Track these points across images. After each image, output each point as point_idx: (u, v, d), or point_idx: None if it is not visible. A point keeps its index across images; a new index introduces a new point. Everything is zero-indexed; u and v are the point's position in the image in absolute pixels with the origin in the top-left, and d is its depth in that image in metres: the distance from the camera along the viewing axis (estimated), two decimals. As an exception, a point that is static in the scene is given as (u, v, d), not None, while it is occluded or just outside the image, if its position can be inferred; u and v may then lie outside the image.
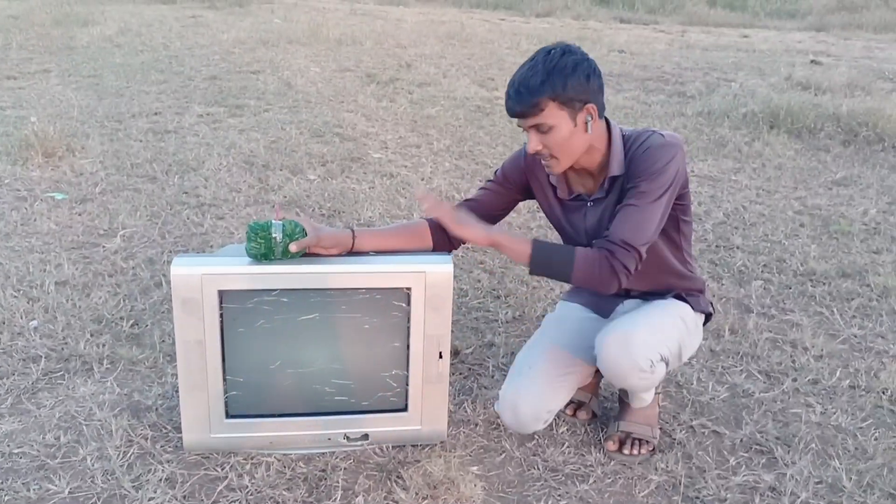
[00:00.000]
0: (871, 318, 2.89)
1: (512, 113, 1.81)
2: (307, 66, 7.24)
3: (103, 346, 2.44)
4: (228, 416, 1.90)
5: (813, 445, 2.10)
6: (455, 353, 2.50)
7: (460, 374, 2.42)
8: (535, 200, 2.11)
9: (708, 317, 2.15)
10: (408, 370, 1.93)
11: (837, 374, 2.47)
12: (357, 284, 1.86)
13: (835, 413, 2.26)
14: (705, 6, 14.77)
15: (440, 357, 1.92)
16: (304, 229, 1.84)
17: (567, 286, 2.61)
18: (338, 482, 1.88)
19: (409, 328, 1.89)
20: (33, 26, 8.73)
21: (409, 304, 1.87)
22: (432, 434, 2.02)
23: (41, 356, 2.37)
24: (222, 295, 1.80)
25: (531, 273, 1.90)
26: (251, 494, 1.83)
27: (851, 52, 9.71)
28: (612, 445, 2.05)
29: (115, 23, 9.09)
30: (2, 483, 1.83)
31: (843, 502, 1.89)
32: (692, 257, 2.11)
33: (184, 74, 6.65)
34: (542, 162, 1.88)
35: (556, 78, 1.75)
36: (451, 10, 13.44)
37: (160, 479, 1.86)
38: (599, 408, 2.24)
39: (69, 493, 1.81)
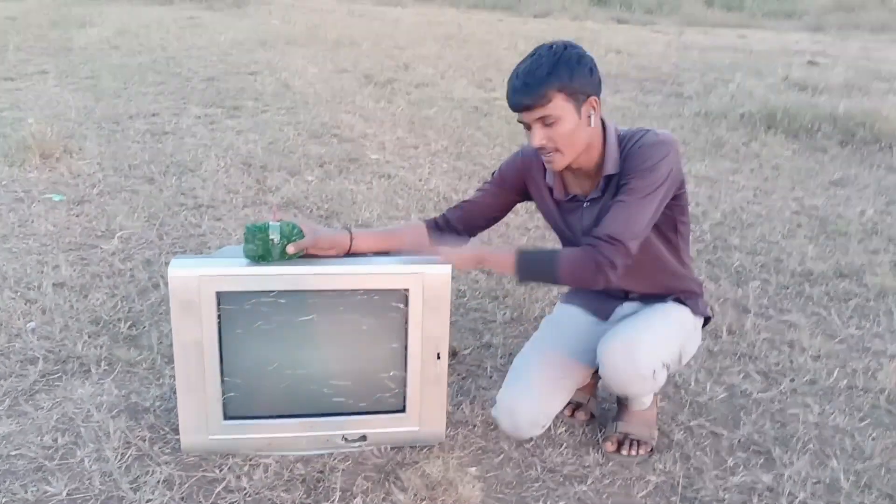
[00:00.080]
0: (869, 318, 2.89)
1: (518, 106, 1.78)
2: (305, 67, 7.24)
3: (101, 347, 2.44)
4: (226, 417, 1.89)
5: (811, 446, 2.11)
6: (453, 354, 2.50)
7: (458, 374, 2.42)
8: (532, 202, 2.11)
9: (706, 320, 2.15)
10: (406, 371, 1.93)
11: (835, 374, 2.48)
12: (355, 286, 1.86)
13: (832, 413, 2.26)
14: (703, 7, 14.81)
15: (438, 358, 1.92)
16: (301, 231, 1.84)
17: (565, 287, 2.60)
18: (336, 483, 1.88)
19: (406, 329, 1.89)
20: (31, 27, 8.72)
21: (406, 305, 1.87)
22: (430, 435, 2.02)
23: (39, 358, 2.37)
24: (220, 296, 1.80)
25: (520, 282, 1.91)
26: (249, 496, 1.83)
27: (848, 53, 9.74)
28: (610, 446, 2.05)
29: (112, 24, 9.08)
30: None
31: (841, 502, 1.89)
32: (690, 258, 2.11)
33: (181, 76, 6.65)
34: (545, 158, 1.85)
35: (563, 69, 1.75)
36: (448, 10, 13.45)
37: (158, 481, 1.85)
38: (598, 408, 2.24)
39: (67, 494, 1.81)
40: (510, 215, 2.20)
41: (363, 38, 8.90)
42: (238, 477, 1.88)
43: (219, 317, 1.81)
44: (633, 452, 2.03)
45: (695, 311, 2.07)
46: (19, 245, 3.19)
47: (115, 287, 2.86)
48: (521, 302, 2.91)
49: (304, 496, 1.83)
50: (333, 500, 1.82)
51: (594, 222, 1.91)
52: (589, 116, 1.82)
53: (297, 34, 8.91)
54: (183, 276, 1.78)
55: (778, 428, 2.19)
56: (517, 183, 2.07)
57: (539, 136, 1.80)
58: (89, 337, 2.50)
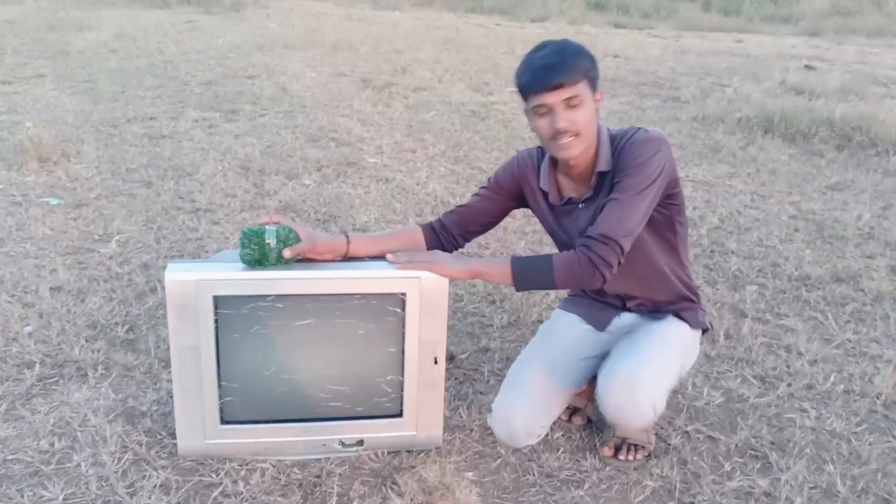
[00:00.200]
0: (865, 322, 2.90)
1: (548, 84, 1.76)
2: (303, 70, 7.24)
3: (98, 351, 2.44)
4: (223, 422, 1.89)
5: (807, 450, 2.11)
6: (450, 358, 2.50)
7: (455, 379, 2.42)
8: (528, 208, 2.11)
9: (704, 331, 2.15)
10: (403, 376, 1.92)
11: (832, 378, 2.48)
12: (352, 290, 1.86)
13: (829, 418, 2.27)
14: (700, 11, 14.84)
15: (435, 362, 1.92)
16: (298, 235, 1.84)
17: (563, 291, 2.61)
18: (333, 488, 1.88)
19: (404, 333, 1.89)
20: (28, 31, 8.72)
21: (403, 309, 1.87)
22: (427, 440, 2.01)
23: (35, 362, 2.37)
24: (217, 300, 1.80)
25: (518, 290, 1.91)
26: (246, 501, 1.83)
27: (845, 57, 9.76)
28: (607, 451, 2.05)
29: (110, 28, 9.08)
30: (-5, 490, 1.83)
31: (838, 507, 1.90)
32: (688, 261, 2.11)
33: (179, 79, 6.64)
34: (563, 142, 1.81)
35: (587, 56, 1.81)
36: (446, 15, 13.47)
37: (155, 486, 1.85)
38: (595, 413, 2.24)
39: (63, 499, 1.81)
40: (507, 220, 2.21)
41: (361, 42, 8.91)
42: (235, 481, 1.88)
43: (216, 321, 1.80)
44: (631, 457, 2.03)
45: (693, 325, 2.07)
46: (16, 249, 3.19)
47: (113, 291, 2.85)
48: (519, 306, 2.91)
49: (301, 501, 1.83)
50: (330, 505, 1.82)
51: (590, 223, 1.90)
52: (596, 109, 1.84)
53: (295, 38, 8.92)
54: (180, 280, 1.78)
55: (775, 433, 2.19)
56: (513, 188, 2.07)
57: (563, 118, 1.79)
58: (86, 341, 2.50)
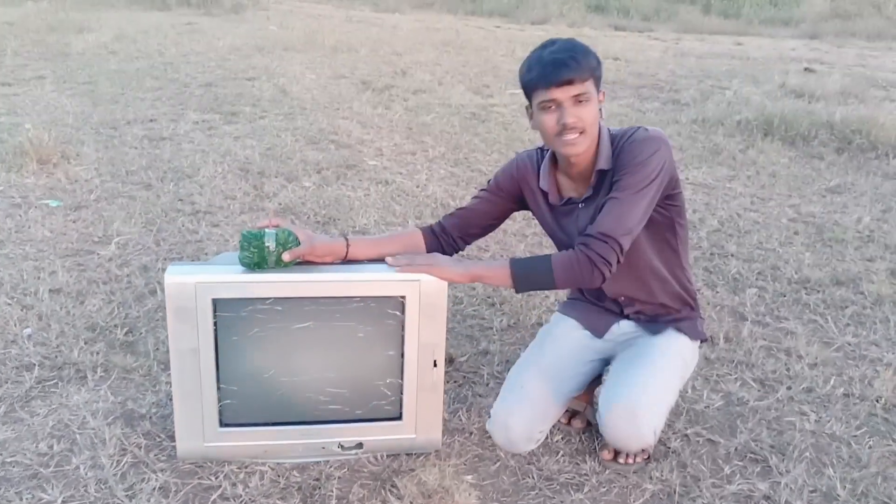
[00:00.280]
0: (865, 325, 2.89)
1: (559, 79, 1.76)
2: (303, 73, 7.25)
3: (97, 353, 2.44)
4: (222, 424, 1.89)
5: (807, 454, 2.11)
6: (450, 361, 2.49)
7: (455, 382, 2.41)
8: (528, 211, 2.11)
9: (703, 341, 2.15)
10: (402, 379, 1.92)
11: (832, 382, 2.48)
12: (351, 293, 1.86)
13: (829, 421, 2.26)
14: (700, 14, 14.84)
15: (434, 365, 1.92)
16: (297, 238, 1.84)
17: (562, 294, 2.61)
18: (332, 491, 1.87)
19: (403, 336, 1.89)
20: (28, 32, 8.72)
21: (403, 312, 1.87)
22: (427, 443, 2.01)
23: (35, 364, 2.36)
24: (216, 303, 1.80)
25: (518, 291, 1.91)
26: (245, 504, 1.83)
27: (845, 60, 9.76)
28: (606, 454, 2.05)
29: (110, 29, 9.08)
30: (-6, 492, 1.82)
31: (838, 511, 1.89)
32: (688, 264, 2.11)
33: (179, 81, 6.65)
34: (569, 138, 1.81)
35: (593, 55, 1.82)
36: (446, 17, 13.48)
37: (154, 488, 1.85)
38: (594, 416, 2.24)
39: (62, 502, 1.80)
40: (507, 222, 2.21)
41: (361, 45, 8.91)
42: (234, 484, 1.88)
43: (215, 324, 1.80)
44: (630, 460, 2.03)
45: (693, 336, 2.07)
46: (16, 251, 3.19)
47: (112, 293, 2.85)
48: (518, 309, 2.90)
49: (300, 504, 1.83)
50: (329, 508, 1.82)
51: (590, 222, 1.90)
52: (599, 108, 1.85)
53: (295, 40, 8.92)
54: (179, 282, 1.78)
55: (775, 436, 2.19)
56: (512, 189, 2.07)
57: (571, 114, 1.79)
58: (85, 343, 2.50)
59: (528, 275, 1.87)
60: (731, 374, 2.51)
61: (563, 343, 2.10)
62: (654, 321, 2.07)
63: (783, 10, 15.42)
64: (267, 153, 4.68)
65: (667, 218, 1.96)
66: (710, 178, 4.73)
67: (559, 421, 2.19)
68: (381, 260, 1.92)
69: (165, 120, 5.39)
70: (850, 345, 2.74)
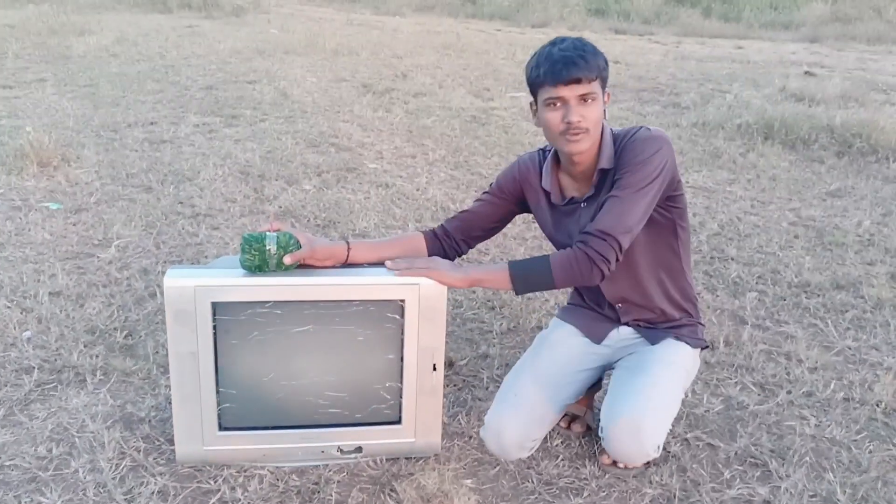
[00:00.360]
0: (866, 329, 2.89)
1: (568, 77, 1.76)
2: (303, 76, 7.25)
3: (96, 357, 2.44)
4: (221, 428, 1.89)
5: (807, 458, 2.10)
6: (449, 364, 2.49)
7: (454, 385, 2.41)
8: (530, 214, 2.11)
9: (703, 348, 2.15)
10: (402, 382, 1.92)
11: (832, 386, 2.47)
12: (351, 296, 1.85)
13: (829, 426, 2.26)
14: (700, 17, 14.83)
15: (434, 369, 1.92)
16: (298, 241, 1.84)
17: (563, 298, 2.60)
18: (331, 495, 1.87)
19: (402, 340, 1.89)
20: (29, 35, 8.73)
21: (402, 315, 1.87)
22: (426, 446, 2.01)
23: (34, 367, 2.36)
24: (216, 307, 1.79)
25: (518, 293, 1.92)
26: (244, 507, 1.82)
27: (845, 64, 9.76)
28: (606, 459, 2.04)
29: (111, 32, 9.09)
30: (-7, 496, 1.82)
31: (838, 515, 1.89)
32: (690, 268, 2.10)
33: (180, 84, 6.65)
34: (572, 137, 1.81)
35: (601, 55, 1.82)
36: (447, 20, 13.49)
37: (152, 492, 1.85)
38: (594, 420, 2.24)
39: (60, 506, 1.80)
40: (507, 226, 2.21)
41: (362, 48, 8.92)
42: (233, 488, 1.88)
43: (214, 327, 1.80)
44: (630, 465, 2.03)
45: (693, 344, 2.07)
46: (16, 254, 3.19)
47: (112, 296, 2.85)
48: (518, 312, 2.90)
49: (299, 508, 1.83)
50: (328, 512, 1.81)
51: (591, 221, 1.90)
52: (604, 109, 1.85)
53: (296, 43, 8.93)
54: (179, 286, 1.78)
55: (774, 440, 2.18)
56: (514, 191, 2.07)
57: (576, 113, 1.79)
58: (85, 346, 2.50)
59: (527, 275, 1.87)
60: (731, 379, 2.51)
61: (560, 349, 2.09)
62: (653, 328, 2.07)
63: (783, 14, 15.42)
64: (267, 156, 4.68)
65: (668, 220, 1.96)
66: (710, 182, 4.73)
67: (559, 425, 2.18)
68: (381, 264, 1.92)
69: (166, 123, 5.39)
70: (850, 349, 2.74)
